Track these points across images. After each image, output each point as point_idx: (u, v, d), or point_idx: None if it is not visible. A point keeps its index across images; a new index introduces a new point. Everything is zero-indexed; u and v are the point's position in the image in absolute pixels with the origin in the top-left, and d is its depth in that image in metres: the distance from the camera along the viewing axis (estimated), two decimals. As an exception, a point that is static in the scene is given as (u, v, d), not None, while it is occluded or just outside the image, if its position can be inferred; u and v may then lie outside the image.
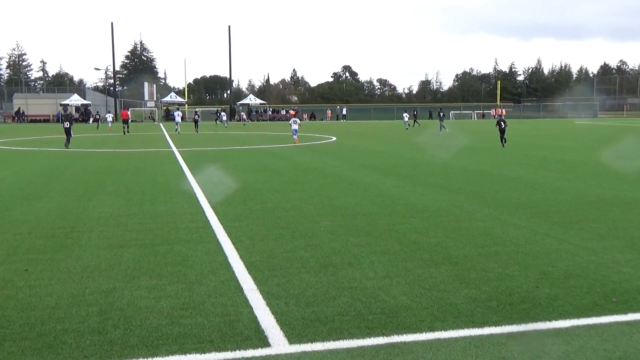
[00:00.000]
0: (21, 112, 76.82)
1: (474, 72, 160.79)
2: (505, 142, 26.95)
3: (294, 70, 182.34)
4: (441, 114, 44.94)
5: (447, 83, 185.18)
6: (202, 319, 5.38)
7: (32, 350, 4.74)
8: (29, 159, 23.13)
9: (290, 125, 32.77)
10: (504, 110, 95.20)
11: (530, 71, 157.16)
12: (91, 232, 9.07)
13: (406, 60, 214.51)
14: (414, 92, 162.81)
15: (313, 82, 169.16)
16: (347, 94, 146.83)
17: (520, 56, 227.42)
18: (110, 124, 53.56)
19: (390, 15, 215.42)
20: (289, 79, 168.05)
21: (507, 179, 15.52)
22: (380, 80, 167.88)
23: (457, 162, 20.34)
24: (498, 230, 9.10)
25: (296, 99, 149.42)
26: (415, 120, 55.37)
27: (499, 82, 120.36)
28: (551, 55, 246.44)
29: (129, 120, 48.00)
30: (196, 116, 49.73)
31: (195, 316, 5.45)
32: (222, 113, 64.75)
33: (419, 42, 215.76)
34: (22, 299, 5.96)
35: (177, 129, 46.38)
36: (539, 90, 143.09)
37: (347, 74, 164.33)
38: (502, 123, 27.22)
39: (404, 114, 52.87)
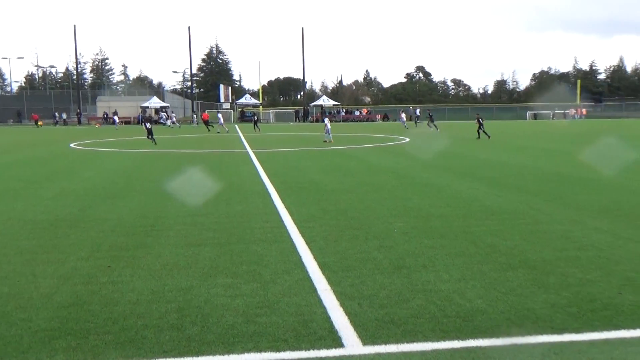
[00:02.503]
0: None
1: (552, 71, 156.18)
2: (487, 136, 33.79)
3: (366, 71, 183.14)
4: (431, 115, 52.65)
5: (523, 82, 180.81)
6: (276, 317, 5.45)
7: (115, 344, 4.91)
8: (111, 159, 24.02)
9: (325, 125, 33.12)
10: (584, 110, 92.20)
11: (612, 69, 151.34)
12: (170, 231, 9.33)
13: (481, 60, 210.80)
14: (489, 92, 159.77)
15: (386, 83, 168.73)
16: (420, 94, 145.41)
17: (601, 54, 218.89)
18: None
19: (463, 15, 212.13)
20: (362, 80, 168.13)
21: (587, 180, 14.99)
22: (454, 80, 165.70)
23: (533, 163, 19.81)
24: (578, 233, 8.80)
25: (369, 99, 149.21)
26: (412, 119, 60.52)
27: (578, 81, 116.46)
28: (634, 53, 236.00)
29: (209, 121, 57.02)
30: (254, 117, 58.40)
31: (270, 315, 5.52)
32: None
33: (494, 41, 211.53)
34: (106, 295, 6.19)
35: (223, 129, 51.58)
36: (621, 89, 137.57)
37: (421, 74, 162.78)
38: (480, 120, 34.71)
39: (402, 114, 60.48)
